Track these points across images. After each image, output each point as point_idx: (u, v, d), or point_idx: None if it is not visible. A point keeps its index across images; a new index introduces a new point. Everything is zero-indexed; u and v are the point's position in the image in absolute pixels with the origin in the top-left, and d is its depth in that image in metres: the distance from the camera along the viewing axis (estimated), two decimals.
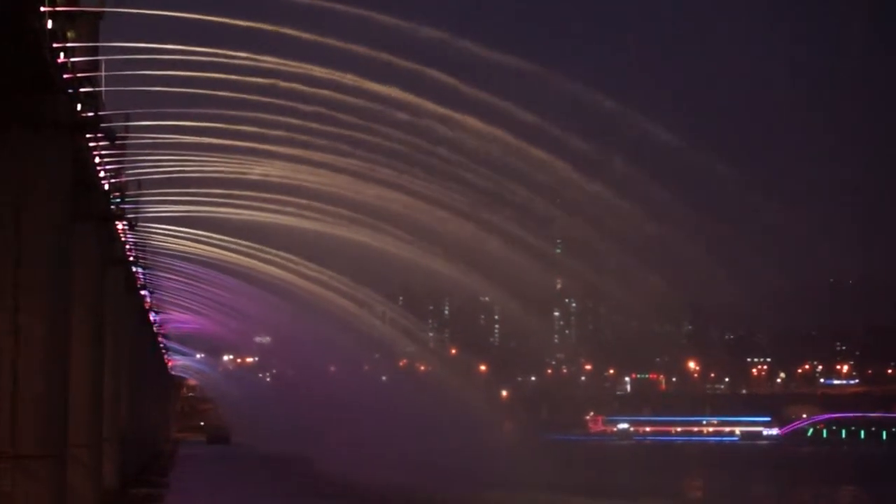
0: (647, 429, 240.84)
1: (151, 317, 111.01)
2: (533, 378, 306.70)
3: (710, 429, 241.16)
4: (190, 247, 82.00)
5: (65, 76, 39.06)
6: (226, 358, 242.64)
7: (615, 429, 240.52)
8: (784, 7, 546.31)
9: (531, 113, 72.21)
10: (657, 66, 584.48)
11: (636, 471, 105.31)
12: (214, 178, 69.56)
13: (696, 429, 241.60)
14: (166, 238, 77.65)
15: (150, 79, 49.29)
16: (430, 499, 68.66)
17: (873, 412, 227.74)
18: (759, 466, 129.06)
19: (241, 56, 51.45)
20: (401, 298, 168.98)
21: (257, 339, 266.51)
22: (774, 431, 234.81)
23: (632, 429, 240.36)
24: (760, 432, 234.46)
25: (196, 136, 59.43)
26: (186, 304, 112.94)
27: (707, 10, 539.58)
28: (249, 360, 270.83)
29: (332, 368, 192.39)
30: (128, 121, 52.95)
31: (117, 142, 50.29)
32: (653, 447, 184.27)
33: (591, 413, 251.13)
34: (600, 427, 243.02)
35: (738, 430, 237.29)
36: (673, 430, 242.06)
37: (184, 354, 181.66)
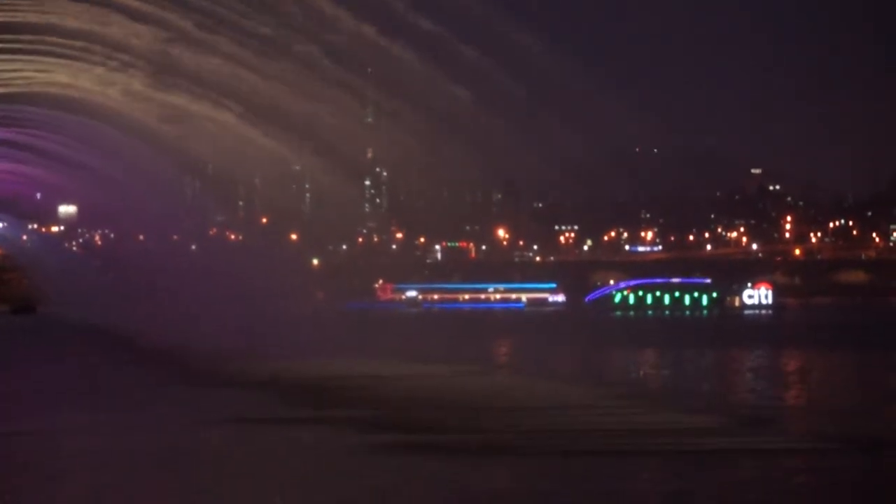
0: (436, 296, 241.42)
1: None
2: (344, 247, 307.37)
3: (498, 296, 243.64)
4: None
5: None
6: (31, 227, 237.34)
7: (404, 296, 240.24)
8: None
9: None
10: None
11: (438, 337, 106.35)
12: None
13: (483, 296, 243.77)
14: None
15: None
16: (251, 365, 68.73)
17: (676, 277, 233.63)
18: (560, 330, 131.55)
19: None
20: (210, 166, 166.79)
21: (62, 207, 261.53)
22: (560, 298, 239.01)
23: (420, 296, 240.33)
24: (546, 299, 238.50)
25: None
26: None
27: None
28: (55, 228, 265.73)
29: (141, 237, 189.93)
30: None
31: None
32: (443, 314, 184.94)
33: (381, 281, 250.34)
34: (389, 295, 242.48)
35: (524, 297, 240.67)
36: (461, 297, 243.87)
37: None
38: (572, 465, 33.32)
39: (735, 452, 35.69)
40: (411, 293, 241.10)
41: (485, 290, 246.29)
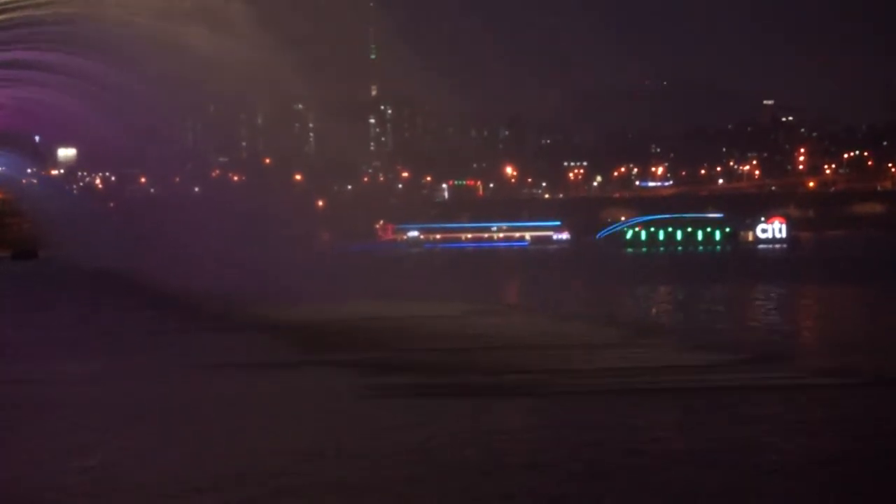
0: (438, 236, 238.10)
1: None
2: (349, 187, 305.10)
3: (501, 235, 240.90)
4: None
5: None
6: (30, 170, 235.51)
7: (405, 237, 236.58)
8: None
9: None
10: None
11: (442, 277, 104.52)
12: None
13: (486, 235, 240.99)
14: None
15: None
16: (255, 308, 67.22)
17: (687, 213, 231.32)
18: (566, 269, 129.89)
19: None
20: (212, 107, 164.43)
21: (62, 150, 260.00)
22: (564, 236, 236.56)
23: (422, 236, 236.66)
24: (550, 237, 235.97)
25: None
26: None
27: None
28: (55, 172, 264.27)
29: (143, 180, 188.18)
30: None
31: None
32: (446, 254, 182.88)
33: (381, 221, 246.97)
34: (390, 235, 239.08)
35: (528, 235, 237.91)
36: (463, 237, 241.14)
37: None
38: (584, 405, 31.99)
39: (751, 389, 34.40)
40: (413, 233, 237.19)
41: (488, 230, 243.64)
